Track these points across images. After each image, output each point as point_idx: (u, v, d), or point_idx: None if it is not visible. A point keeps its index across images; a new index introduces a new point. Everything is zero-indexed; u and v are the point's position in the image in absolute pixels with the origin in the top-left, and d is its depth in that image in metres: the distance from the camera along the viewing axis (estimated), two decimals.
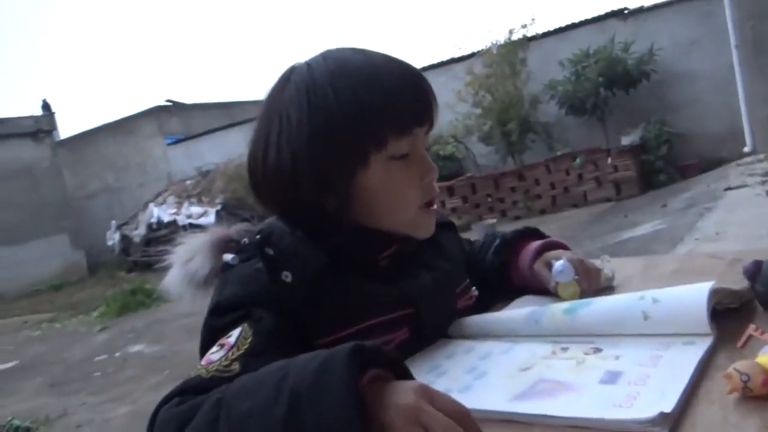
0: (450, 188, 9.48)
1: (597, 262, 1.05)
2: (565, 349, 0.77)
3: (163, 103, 15.54)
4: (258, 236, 0.84)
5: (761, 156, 7.20)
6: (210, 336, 0.78)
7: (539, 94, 9.11)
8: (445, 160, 9.75)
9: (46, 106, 15.72)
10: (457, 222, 8.23)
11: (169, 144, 14.70)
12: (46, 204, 14.65)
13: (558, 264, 0.95)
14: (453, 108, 9.07)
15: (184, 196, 12.57)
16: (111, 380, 5.03)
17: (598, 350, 0.74)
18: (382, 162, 0.83)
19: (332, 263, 0.83)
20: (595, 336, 0.78)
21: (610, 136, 8.72)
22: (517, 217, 8.92)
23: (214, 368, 0.70)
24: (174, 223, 12.08)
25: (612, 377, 0.66)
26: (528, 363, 0.74)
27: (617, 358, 0.71)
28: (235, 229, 0.93)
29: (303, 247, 0.84)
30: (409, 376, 0.62)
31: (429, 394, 0.57)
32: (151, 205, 12.81)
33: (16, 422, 4.24)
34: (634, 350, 0.72)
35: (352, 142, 0.81)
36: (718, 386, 0.61)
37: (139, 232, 12.70)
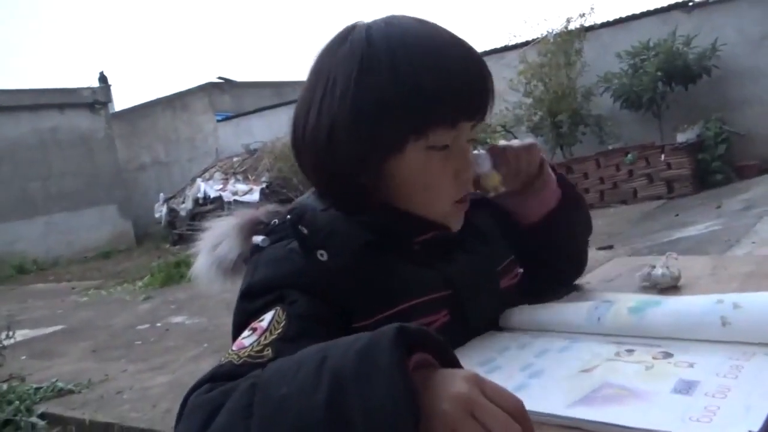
0: None
1: (662, 260, 0.98)
2: (630, 352, 0.70)
3: (215, 80, 15.74)
4: (290, 215, 0.80)
5: None
6: (242, 320, 0.75)
7: (593, 86, 8.86)
8: None
9: (103, 78, 16.06)
10: None
11: (219, 120, 14.88)
12: (100, 174, 15.03)
13: (472, 153, 0.88)
14: (503, 97, 8.90)
15: (230, 173, 12.71)
16: (152, 349, 5.12)
17: (668, 355, 0.68)
18: (419, 150, 0.79)
19: (370, 242, 0.79)
20: (663, 339, 0.72)
21: (665, 132, 8.44)
22: None
23: (246, 354, 0.67)
24: (219, 198, 12.24)
25: (687, 387, 0.60)
26: (590, 364, 0.69)
27: (691, 366, 0.64)
28: (264, 210, 0.90)
29: (340, 225, 0.80)
30: (456, 364, 0.57)
31: (482, 384, 0.53)
32: (199, 180, 13.00)
33: (60, 384, 4.36)
34: (710, 358, 0.65)
35: (392, 125, 0.77)
36: None
37: (185, 206, 12.91)
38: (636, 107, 8.55)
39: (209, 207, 12.34)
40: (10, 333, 4.75)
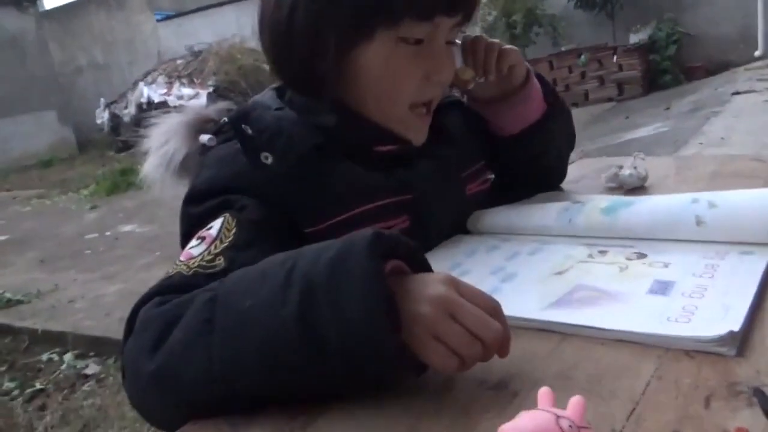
0: None
1: (629, 160, 0.96)
2: (603, 253, 0.69)
3: None
4: (234, 113, 0.74)
5: None
6: (189, 226, 0.70)
7: None
8: None
9: None
10: None
11: (159, 20, 14.09)
12: (33, 78, 14.20)
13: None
14: None
15: (174, 76, 12.17)
16: (102, 258, 5.03)
17: (642, 256, 0.67)
18: (388, 41, 0.71)
19: (322, 144, 0.74)
20: (636, 240, 0.71)
21: (619, 33, 8.40)
22: None
23: (196, 264, 0.62)
24: (165, 104, 11.75)
25: (662, 288, 0.58)
26: (562, 266, 0.67)
27: (666, 266, 0.63)
28: (214, 108, 0.83)
29: (290, 125, 0.74)
30: (428, 270, 0.54)
31: (458, 286, 0.51)
32: (141, 84, 12.43)
33: (8, 295, 4.26)
34: (685, 258, 0.64)
35: (362, 6, 0.69)
36: None
37: (128, 112, 12.40)
38: (590, 7, 8.43)
39: (154, 112, 11.84)
40: None
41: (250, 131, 0.72)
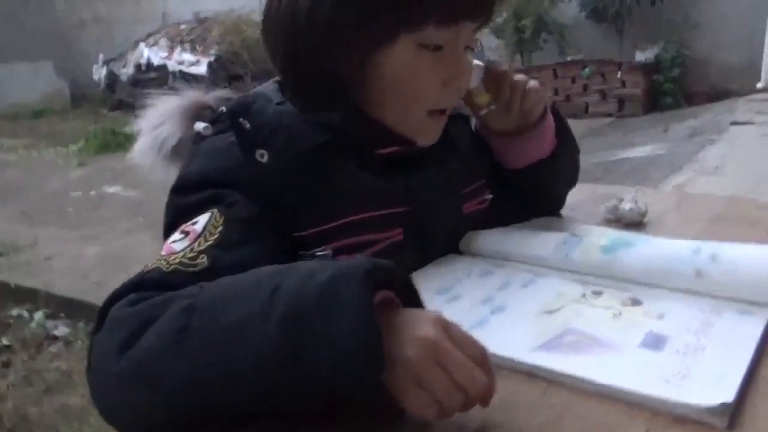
0: None
1: (629, 196, 0.94)
2: (597, 294, 0.67)
3: None
4: (234, 104, 0.71)
5: None
6: (174, 217, 0.67)
7: None
8: None
9: None
10: None
11: None
12: (33, 26, 13.98)
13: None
14: None
15: (177, 41, 12.01)
16: (84, 218, 4.97)
17: (637, 302, 0.65)
18: (409, 46, 0.69)
19: (324, 144, 0.71)
20: (632, 283, 0.69)
21: (626, 49, 8.39)
22: None
23: (177, 260, 0.59)
24: (164, 67, 11.61)
25: (656, 341, 0.57)
26: (554, 304, 0.65)
27: (661, 317, 0.61)
28: (214, 95, 0.80)
29: (291, 122, 0.71)
30: (420, 304, 0.52)
31: (448, 329, 0.48)
32: (142, 44, 12.26)
33: None
34: (681, 310, 0.63)
35: (387, 9, 0.67)
36: None
37: (126, 71, 12.22)
38: (601, 19, 8.42)
39: (152, 75, 11.71)
40: None
41: (248, 125, 0.69)
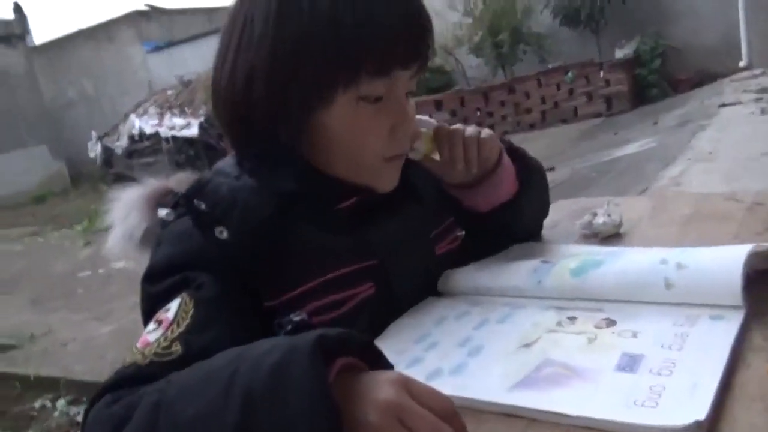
0: (438, 102, 9.25)
1: (602, 209, 0.94)
2: (572, 320, 0.67)
3: (141, 7, 14.87)
4: (188, 187, 0.73)
5: (757, 71, 7.02)
6: (149, 306, 0.68)
7: (533, 3, 8.74)
8: (433, 72, 9.48)
9: (17, 9, 14.97)
10: None
11: (148, 51, 14.18)
12: (24, 113, 14.24)
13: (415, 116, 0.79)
14: (443, 17, 8.71)
15: (165, 107, 12.21)
16: (95, 297, 5.00)
17: (611, 323, 0.65)
18: (349, 102, 0.70)
19: (281, 211, 0.72)
20: (605, 302, 0.69)
21: (604, 49, 8.46)
22: (506, 132, 8.75)
23: (152, 352, 0.60)
24: (156, 135, 11.79)
25: (631, 363, 0.57)
26: (530, 336, 0.65)
27: (635, 335, 0.61)
28: (176, 179, 0.82)
29: (246, 195, 0.72)
30: (384, 362, 0.52)
31: (410, 387, 0.48)
32: (132, 115, 12.46)
33: (1, 340, 4.22)
34: (654, 324, 0.63)
35: (318, 70, 0.68)
36: (757, 376, 0.52)
37: (120, 144, 12.41)
38: (575, 24, 8.50)
39: (146, 144, 11.91)
40: None
41: (203, 206, 0.70)
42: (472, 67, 9.54)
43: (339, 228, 0.75)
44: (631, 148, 5.58)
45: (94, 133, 13.08)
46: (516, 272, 0.78)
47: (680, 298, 0.65)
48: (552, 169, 5.63)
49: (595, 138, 6.85)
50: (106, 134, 12.90)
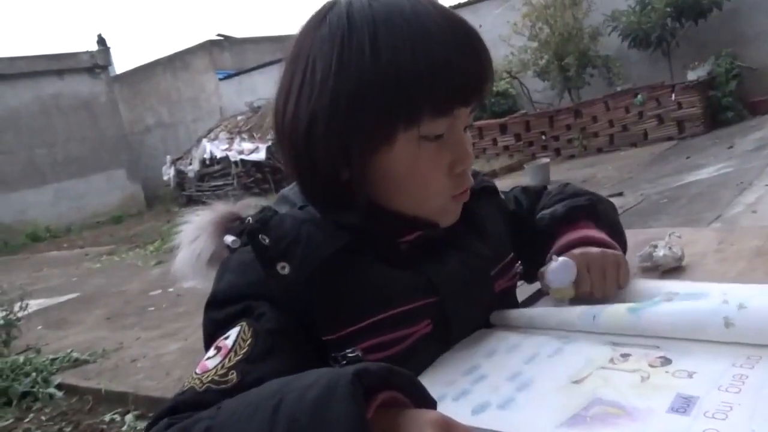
0: (503, 126, 9.20)
1: (663, 241, 0.92)
2: (626, 357, 0.65)
3: (214, 37, 15.48)
4: (253, 221, 0.73)
5: None
6: (210, 332, 0.70)
7: (600, 26, 8.62)
8: (498, 96, 9.47)
9: (101, 41, 15.84)
10: (508, 161, 7.93)
11: (221, 79, 14.70)
12: (105, 138, 15.00)
13: (553, 264, 0.79)
14: (508, 41, 8.69)
15: (235, 132, 12.60)
16: (164, 315, 5.17)
17: (666, 361, 0.63)
18: (410, 141, 0.70)
19: (345, 246, 0.72)
20: (661, 339, 0.67)
21: (676, 71, 8.24)
22: (572, 156, 8.61)
23: (209, 378, 0.62)
24: (226, 159, 12.17)
25: (684, 404, 0.55)
26: (582, 372, 0.64)
27: (690, 375, 0.59)
28: (242, 204, 0.84)
29: (310, 229, 0.73)
30: (428, 398, 0.52)
31: (450, 429, 0.48)
32: (204, 140, 12.91)
33: (75, 354, 4.41)
34: (711, 364, 0.60)
35: (380, 114, 0.68)
36: None
37: (192, 168, 12.87)
38: (644, 46, 8.32)
39: (216, 167, 12.31)
40: (23, 304, 4.79)
41: (267, 241, 0.71)
42: (538, 91, 9.45)
43: (400, 263, 0.76)
44: (704, 173, 5.39)
45: (168, 158, 13.63)
46: (570, 308, 0.76)
47: (740, 337, 0.62)
48: (620, 194, 5.50)
49: (667, 162, 6.65)
50: (180, 158, 13.41)
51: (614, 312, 0.71)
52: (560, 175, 7.25)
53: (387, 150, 0.71)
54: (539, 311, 0.79)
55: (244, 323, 0.67)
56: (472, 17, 10.49)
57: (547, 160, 7.70)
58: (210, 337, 0.70)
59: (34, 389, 3.95)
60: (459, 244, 0.81)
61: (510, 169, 8.37)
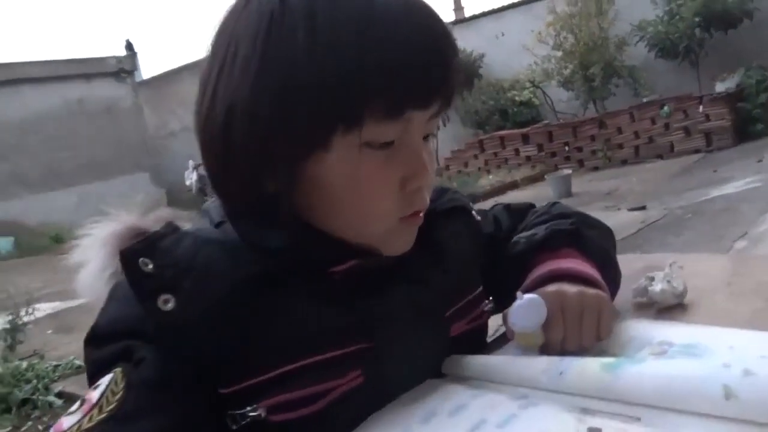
0: (525, 136, 9.04)
1: (662, 272, 0.77)
2: (595, 431, 0.51)
3: None
4: (135, 243, 0.59)
5: None
6: (90, 375, 0.57)
7: (626, 36, 8.43)
8: (521, 105, 9.32)
9: (129, 46, 16.03)
10: (530, 172, 7.79)
11: None
12: (129, 142, 15.13)
13: (518, 302, 0.64)
14: (531, 50, 8.53)
15: None
16: None
17: None
18: (350, 148, 0.56)
19: (262, 274, 0.59)
20: (643, 407, 0.52)
21: (703, 82, 8.01)
22: (596, 168, 8.40)
23: None
24: None
25: None
26: None
27: None
28: (155, 216, 0.71)
29: (213, 254, 0.59)
30: None
31: None
32: None
33: (78, 362, 4.33)
34: None
35: (312, 112, 0.54)
36: None
37: None
38: (672, 56, 8.12)
39: None
40: (30, 310, 4.74)
41: (149, 267, 0.57)
42: (562, 101, 9.27)
43: (328, 298, 0.61)
44: (731, 188, 5.17)
45: (191, 162, 13.66)
46: (534, 358, 0.62)
47: (743, 412, 0.48)
48: (643, 207, 5.31)
49: (692, 175, 6.42)
50: (202, 163, 13.43)
51: (586, 368, 0.56)
52: (582, 187, 7.06)
53: (320, 157, 0.57)
54: (498, 360, 0.64)
55: (118, 370, 0.54)
56: (495, 25, 10.41)
57: (569, 171, 7.51)
58: (90, 381, 0.57)
59: (34, 396, 3.88)
60: (407, 274, 0.66)
61: (532, 180, 8.20)
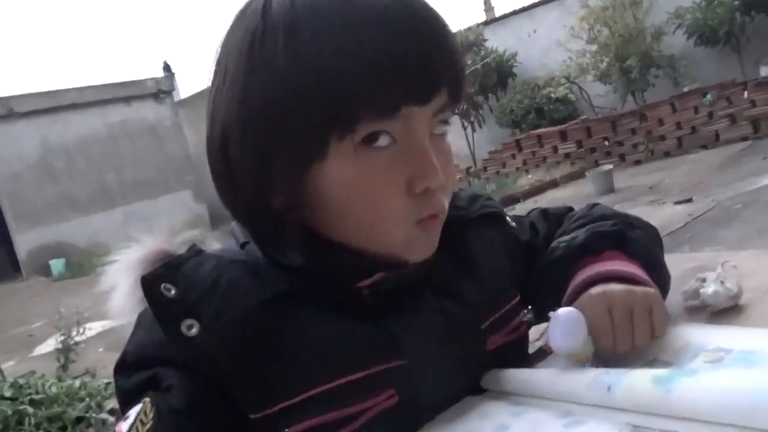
0: (562, 133, 8.90)
1: (715, 273, 0.72)
2: None
3: None
4: (158, 267, 0.57)
5: None
6: (121, 404, 0.57)
7: (663, 25, 8.24)
8: (556, 102, 9.20)
9: (167, 68, 16.39)
10: (570, 169, 7.67)
11: None
12: (171, 161, 15.46)
13: (553, 322, 0.59)
14: (565, 46, 8.41)
15: None
16: None
17: None
18: (347, 153, 0.54)
19: (285, 294, 0.57)
20: (700, 423, 0.48)
21: (747, 67, 7.77)
22: (638, 162, 8.21)
23: None
24: None
25: None
26: None
27: None
28: (180, 239, 0.69)
29: (236, 274, 0.57)
30: None
31: None
32: None
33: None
34: None
35: (300, 120, 0.53)
36: None
37: None
38: (712, 43, 7.91)
39: None
40: (81, 329, 4.85)
41: (172, 292, 0.55)
42: (600, 96, 9.11)
43: (356, 314, 0.59)
44: None
45: None
46: (580, 372, 0.58)
47: None
48: (690, 200, 5.16)
49: (740, 164, 6.22)
50: None
51: (636, 382, 0.53)
52: (625, 182, 6.90)
53: (320, 168, 0.55)
54: (540, 374, 0.61)
55: (147, 400, 0.54)
56: (527, 22, 10.30)
57: (610, 166, 7.35)
58: (122, 410, 0.57)
59: (88, 414, 3.95)
60: (438, 286, 0.63)
61: (572, 177, 8.05)
